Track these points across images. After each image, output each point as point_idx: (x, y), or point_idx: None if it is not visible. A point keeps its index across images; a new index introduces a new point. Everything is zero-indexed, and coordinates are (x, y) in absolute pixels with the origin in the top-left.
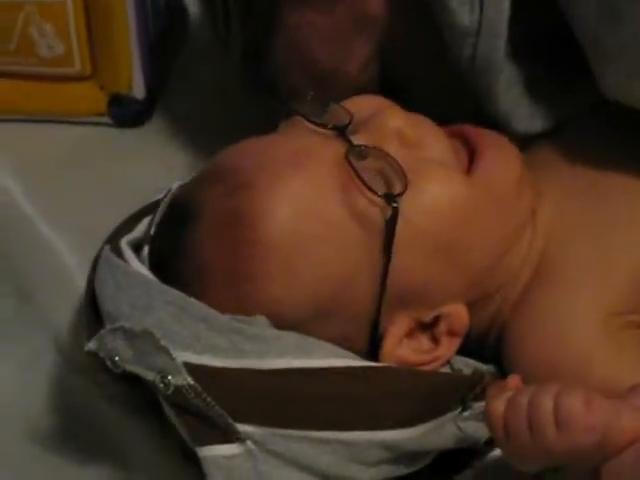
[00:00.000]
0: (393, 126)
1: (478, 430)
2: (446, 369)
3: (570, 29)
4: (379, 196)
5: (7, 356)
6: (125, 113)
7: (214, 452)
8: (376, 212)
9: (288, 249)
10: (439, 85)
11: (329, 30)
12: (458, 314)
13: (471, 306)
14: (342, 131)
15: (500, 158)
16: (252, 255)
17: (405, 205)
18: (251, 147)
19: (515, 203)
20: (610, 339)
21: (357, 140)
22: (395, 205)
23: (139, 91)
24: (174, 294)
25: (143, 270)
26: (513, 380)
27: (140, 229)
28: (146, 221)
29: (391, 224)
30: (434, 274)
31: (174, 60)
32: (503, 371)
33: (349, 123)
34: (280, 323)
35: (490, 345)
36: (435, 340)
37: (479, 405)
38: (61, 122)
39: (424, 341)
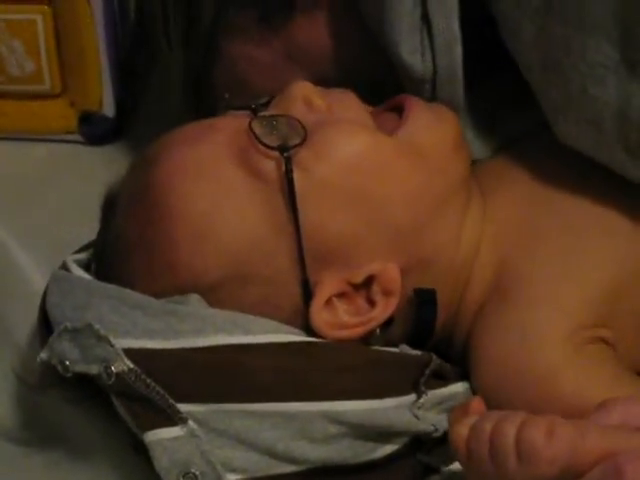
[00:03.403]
0: (300, 94)
1: (438, 423)
2: None
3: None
4: (273, 148)
5: None
6: (95, 131)
7: (158, 436)
8: (272, 166)
9: (189, 215)
10: None
11: (266, 62)
12: (388, 272)
13: (406, 273)
14: (254, 109)
15: (426, 119)
16: (156, 225)
17: (304, 157)
18: (171, 133)
19: (441, 165)
20: (577, 354)
21: (267, 113)
22: (287, 155)
23: (109, 109)
24: (110, 288)
25: (84, 274)
26: (476, 404)
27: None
28: None
29: (288, 175)
30: (351, 229)
31: (145, 78)
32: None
33: (264, 103)
34: (197, 289)
35: (457, 354)
36: (371, 302)
37: (435, 393)
38: (31, 140)
39: (360, 303)
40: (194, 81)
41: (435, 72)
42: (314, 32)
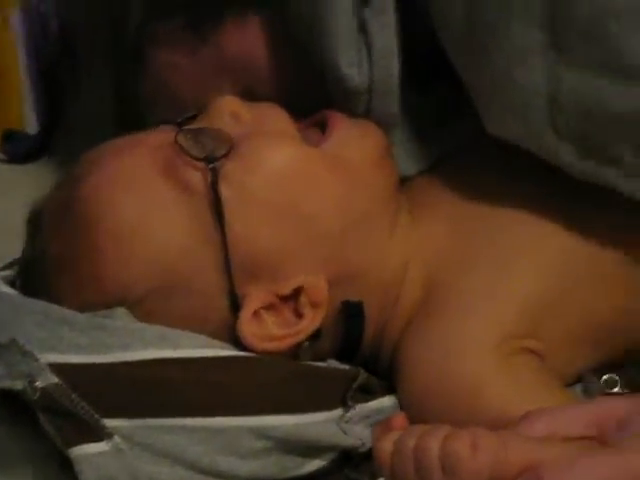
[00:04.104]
0: (227, 108)
1: (366, 437)
2: None
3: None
4: (199, 160)
5: None
6: (18, 149)
7: (84, 451)
8: (198, 177)
9: (115, 227)
10: None
11: (193, 71)
12: (316, 285)
13: (333, 286)
14: (180, 122)
15: (349, 135)
16: (82, 238)
17: (230, 168)
18: (97, 148)
19: (365, 179)
20: (502, 367)
21: (193, 127)
22: (213, 166)
23: (31, 126)
24: (36, 303)
25: (9, 290)
26: (398, 420)
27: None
28: None
29: (214, 187)
30: (277, 241)
31: (69, 92)
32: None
33: (190, 117)
34: (125, 301)
35: (384, 370)
36: (299, 314)
37: (363, 407)
38: None
39: (287, 314)
40: (123, 94)
41: (372, 83)
42: (245, 43)
